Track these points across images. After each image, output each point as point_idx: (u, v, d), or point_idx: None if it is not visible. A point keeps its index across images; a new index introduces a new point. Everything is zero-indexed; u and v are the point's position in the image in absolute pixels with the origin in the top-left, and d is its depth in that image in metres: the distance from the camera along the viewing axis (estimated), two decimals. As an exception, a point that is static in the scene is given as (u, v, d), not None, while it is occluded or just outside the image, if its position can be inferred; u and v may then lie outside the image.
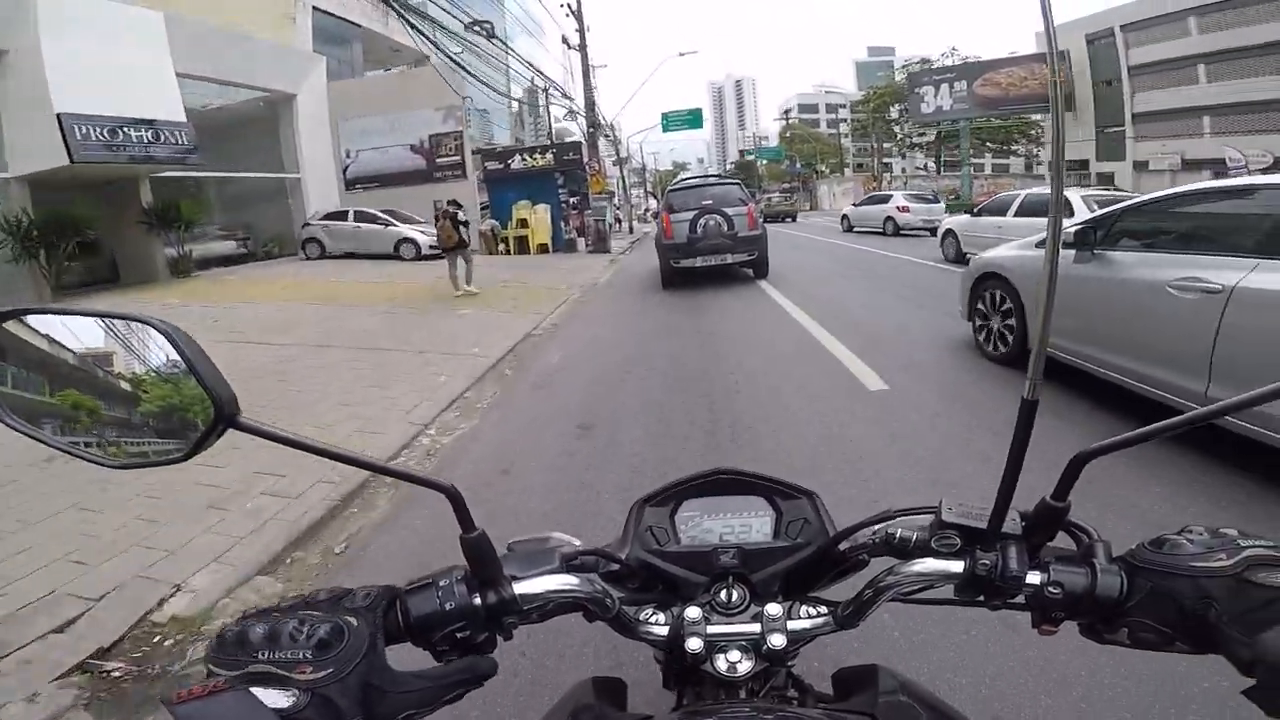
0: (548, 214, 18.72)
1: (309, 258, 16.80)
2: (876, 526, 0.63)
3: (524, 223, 18.23)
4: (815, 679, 0.71)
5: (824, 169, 63.57)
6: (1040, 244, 4.31)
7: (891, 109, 46.33)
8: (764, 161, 73.55)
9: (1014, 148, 43.14)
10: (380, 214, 16.90)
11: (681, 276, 9.58)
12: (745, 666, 0.60)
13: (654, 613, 0.65)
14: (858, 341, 5.62)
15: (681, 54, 27.06)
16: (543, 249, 18.36)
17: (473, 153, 20.92)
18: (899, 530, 0.61)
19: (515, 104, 35.23)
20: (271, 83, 16.20)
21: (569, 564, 0.62)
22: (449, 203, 10.05)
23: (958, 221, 11.66)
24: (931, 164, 46.14)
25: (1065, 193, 7.40)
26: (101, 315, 0.52)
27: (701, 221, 9.12)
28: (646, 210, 43.01)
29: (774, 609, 0.62)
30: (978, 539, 0.56)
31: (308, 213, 17.41)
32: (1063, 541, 0.56)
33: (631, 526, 0.70)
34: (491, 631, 0.56)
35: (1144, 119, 34.32)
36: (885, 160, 54.51)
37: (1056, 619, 0.54)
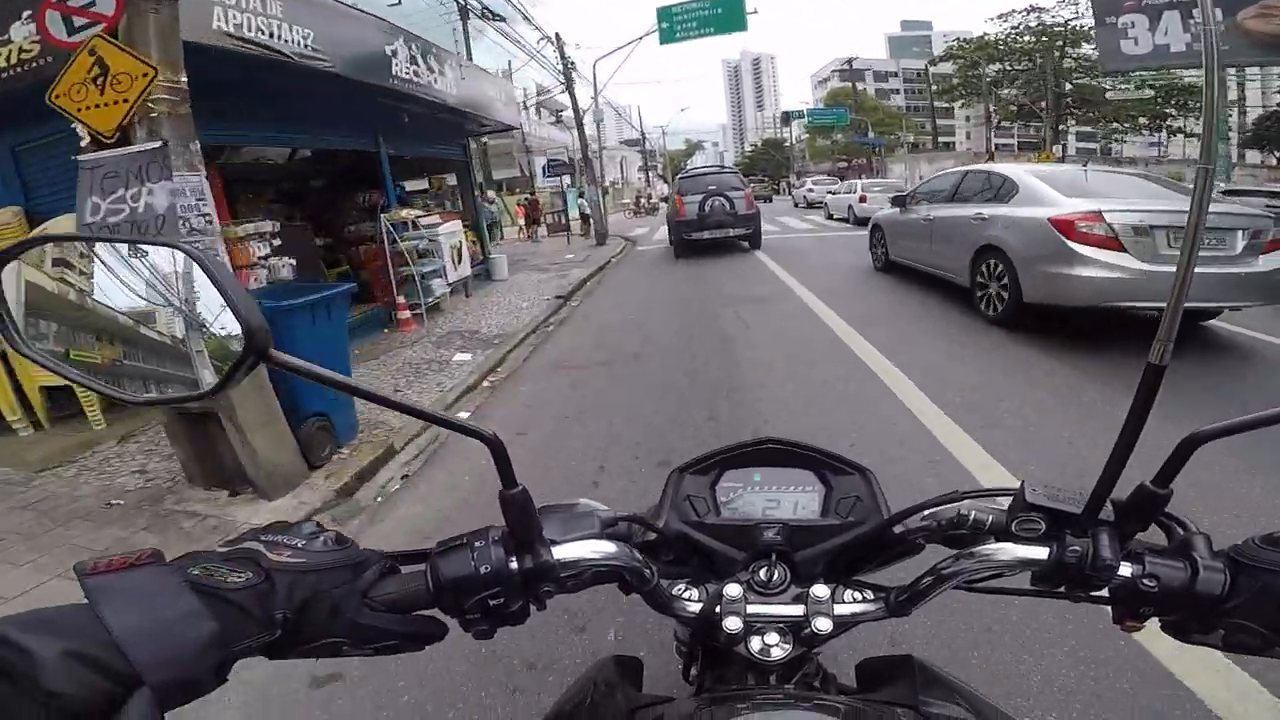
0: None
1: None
2: (939, 509, 0.59)
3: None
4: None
5: (907, 137, 49.29)
6: (892, 204, 7.99)
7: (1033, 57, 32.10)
8: (803, 135, 58.26)
9: (1172, 121, 30.58)
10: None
11: (690, 246, 11.94)
12: (782, 651, 0.57)
13: (686, 588, 0.62)
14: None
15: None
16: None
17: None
18: (972, 512, 0.58)
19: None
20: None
21: (606, 531, 0.59)
22: None
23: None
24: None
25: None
26: (128, 241, 0.51)
27: (709, 202, 11.40)
28: (647, 198, 33.50)
29: (820, 591, 0.59)
30: (1066, 524, 0.51)
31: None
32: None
33: (669, 495, 0.67)
34: (526, 600, 0.52)
35: None
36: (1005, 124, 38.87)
37: (1144, 614, 0.51)
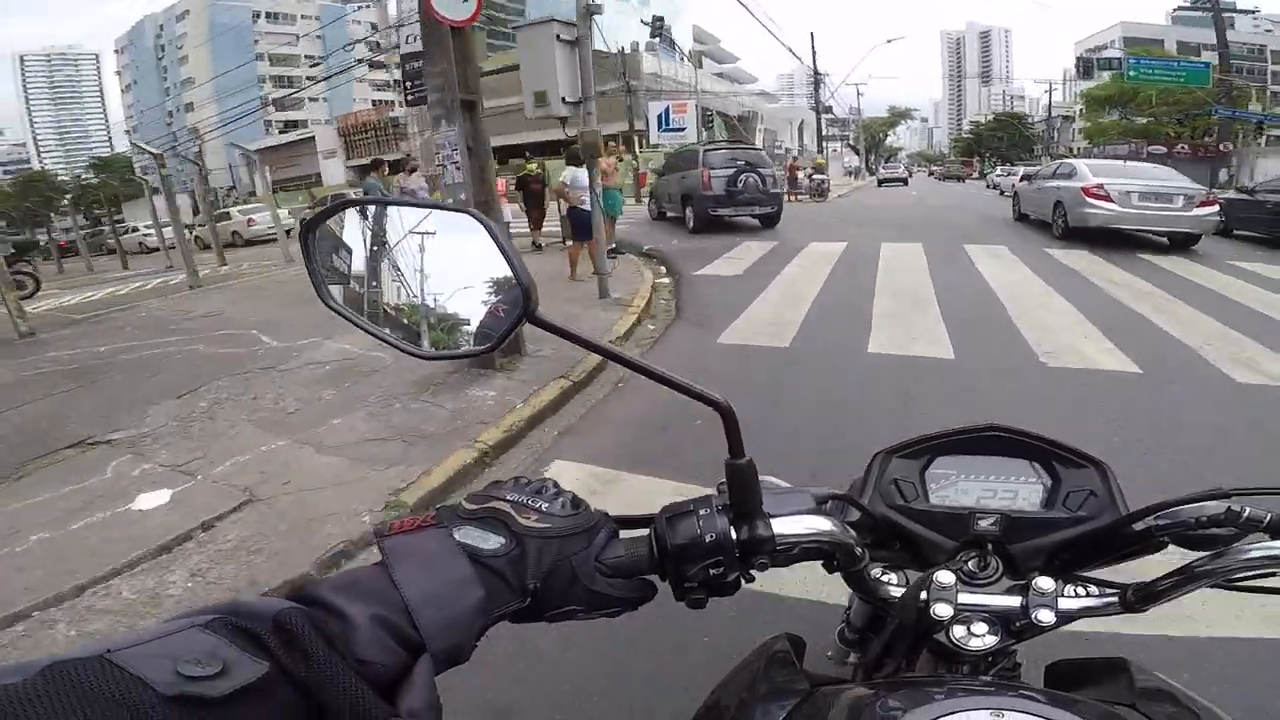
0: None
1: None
2: (1196, 505, 0.56)
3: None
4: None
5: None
6: (1021, 180, 14.02)
7: None
8: (1073, 108, 45.47)
9: None
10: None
11: (710, 224, 11.56)
12: (988, 641, 0.56)
13: (884, 571, 0.62)
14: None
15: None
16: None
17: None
18: (1245, 509, 0.54)
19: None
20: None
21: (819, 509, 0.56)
22: None
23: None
24: None
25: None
26: (422, 205, 0.57)
27: (741, 177, 11.18)
28: (808, 175, 21.47)
29: (1044, 583, 0.57)
30: None
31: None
32: None
33: (874, 477, 0.67)
34: (742, 570, 0.51)
35: None
36: None
37: None
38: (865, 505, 0.62)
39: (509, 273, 0.48)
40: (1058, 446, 0.65)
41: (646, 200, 15.55)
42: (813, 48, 36.27)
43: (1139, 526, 0.58)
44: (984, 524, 0.62)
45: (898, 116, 69.61)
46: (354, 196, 0.60)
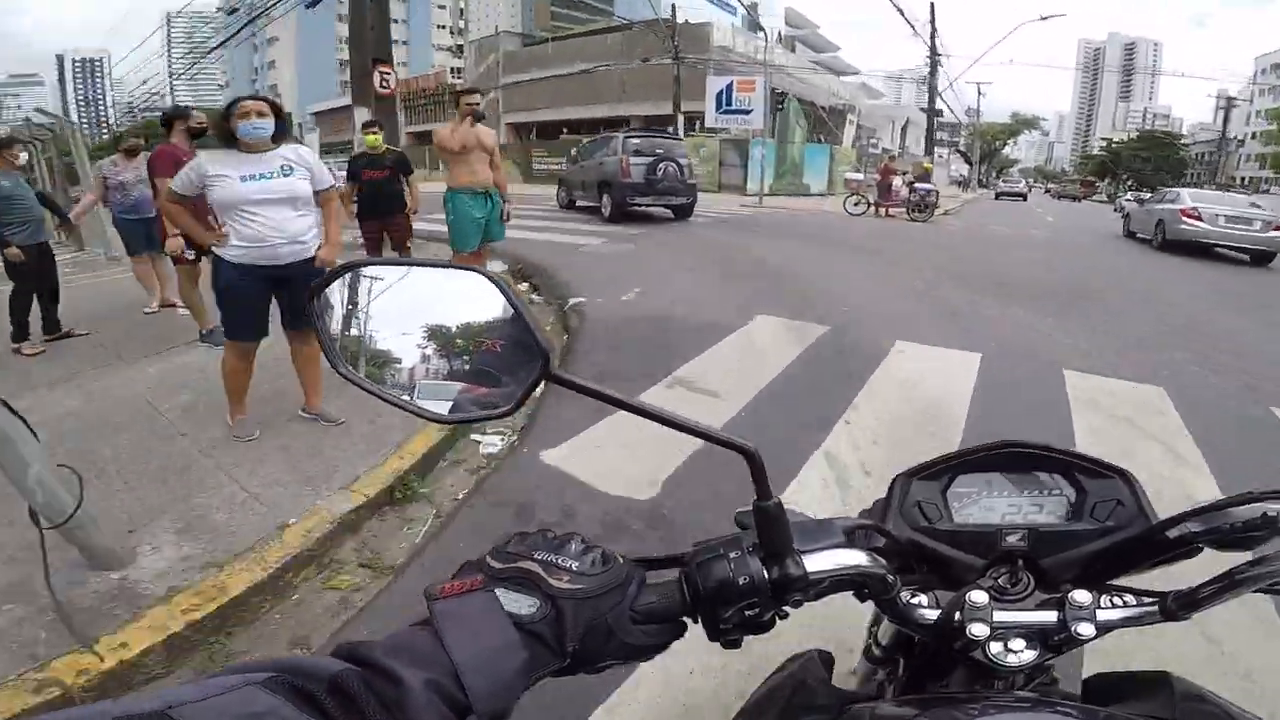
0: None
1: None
2: (1227, 511, 0.56)
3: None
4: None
5: None
6: (1135, 203, 16.01)
7: None
8: (1253, 130, 39.19)
9: None
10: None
11: (625, 215, 11.23)
12: (1027, 657, 0.55)
13: (913, 594, 0.61)
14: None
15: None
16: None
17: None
18: None
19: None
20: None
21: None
22: None
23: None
24: None
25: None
26: (430, 266, 0.56)
27: (661, 166, 10.92)
28: (907, 180, 15.55)
29: (1082, 596, 0.56)
30: None
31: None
32: None
33: (895, 501, 0.65)
34: (776, 609, 0.51)
35: None
36: None
37: None
38: (891, 531, 0.62)
39: (521, 331, 0.49)
40: (1078, 458, 0.65)
41: (556, 188, 14.69)
42: (932, 19, 30.19)
43: (1172, 534, 0.59)
44: (1012, 540, 0.62)
45: (1021, 124, 61.54)
46: (356, 260, 0.60)
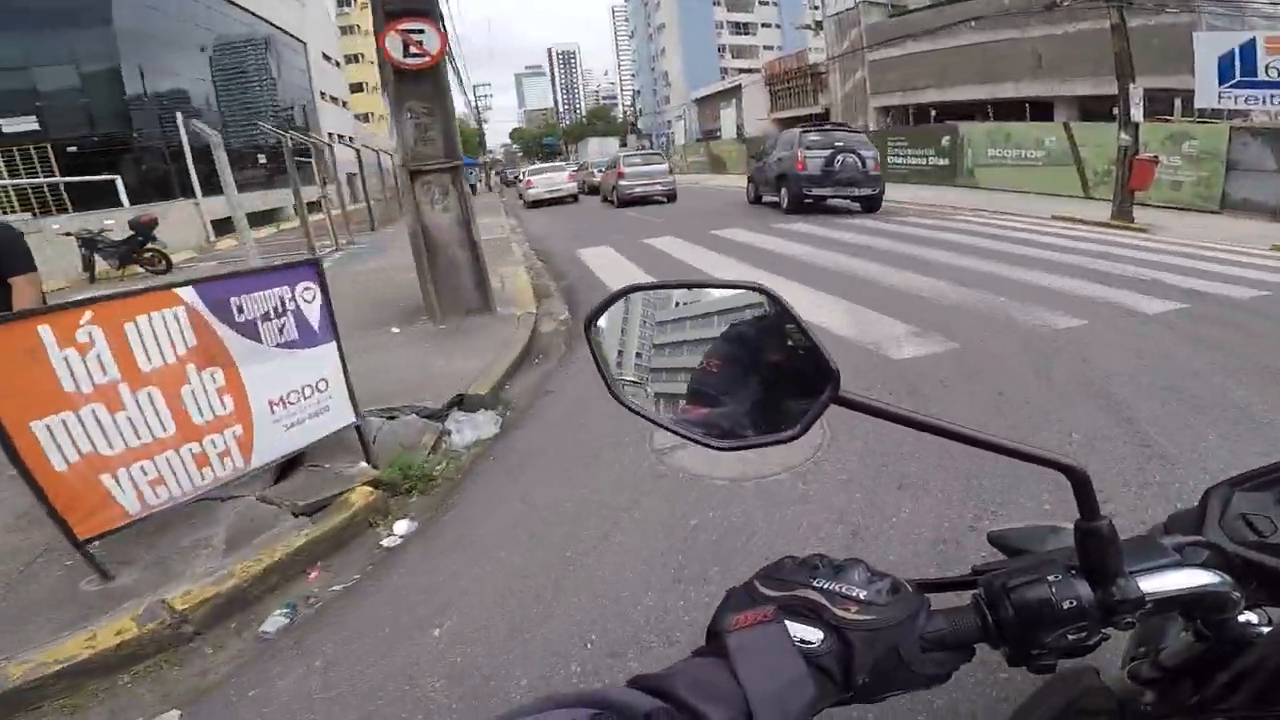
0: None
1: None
2: None
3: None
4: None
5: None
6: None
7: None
8: None
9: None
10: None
11: (803, 203, 11.91)
12: None
13: (1243, 612, 0.57)
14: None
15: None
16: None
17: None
18: None
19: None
20: None
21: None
22: None
23: None
24: None
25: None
26: (706, 286, 0.55)
27: (839, 158, 11.45)
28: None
29: None
30: None
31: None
32: None
33: (1214, 513, 0.62)
34: (1099, 632, 0.49)
35: None
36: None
37: None
38: (1225, 548, 0.57)
39: (801, 349, 0.47)
40: None
41: (746, 184, 15.61)
42: None
43: None
44: None
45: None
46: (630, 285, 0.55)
